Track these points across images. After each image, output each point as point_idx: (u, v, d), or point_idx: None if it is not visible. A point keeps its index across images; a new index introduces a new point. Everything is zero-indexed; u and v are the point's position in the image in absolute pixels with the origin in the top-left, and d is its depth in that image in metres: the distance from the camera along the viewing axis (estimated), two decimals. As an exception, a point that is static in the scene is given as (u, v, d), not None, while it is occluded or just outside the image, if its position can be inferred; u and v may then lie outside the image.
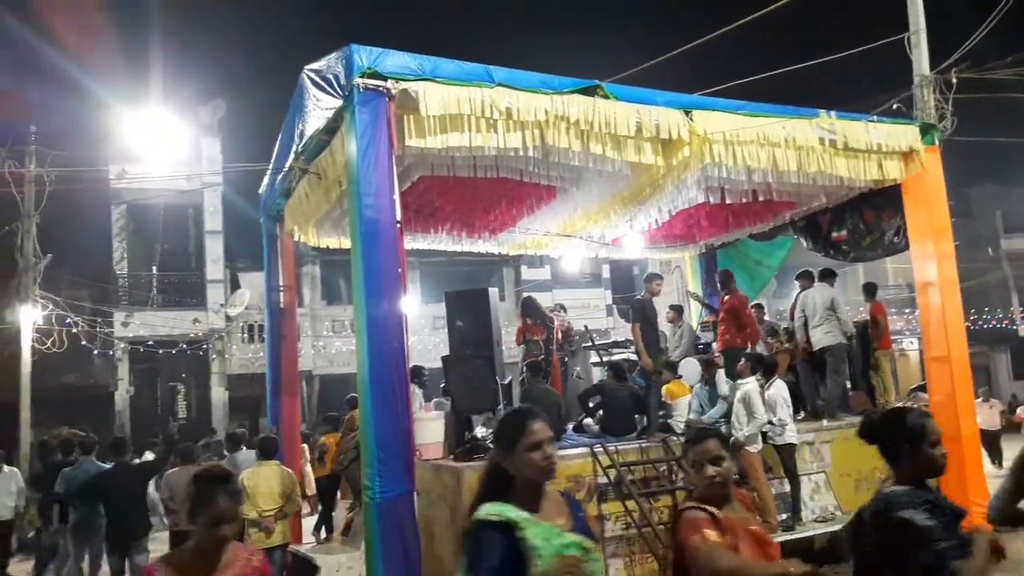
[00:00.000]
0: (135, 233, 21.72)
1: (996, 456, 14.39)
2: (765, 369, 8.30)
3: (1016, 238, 29.34)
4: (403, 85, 6.17)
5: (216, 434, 17.54)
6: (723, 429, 8.11)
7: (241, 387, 21.44)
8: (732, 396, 8.32)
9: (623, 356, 10.82)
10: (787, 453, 8.02)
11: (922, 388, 10.41)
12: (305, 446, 11.36)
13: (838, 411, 9.33)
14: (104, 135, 18.84)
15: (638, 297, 9.04)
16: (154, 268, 21.45)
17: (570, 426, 9.19)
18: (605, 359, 10.89)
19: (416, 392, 8.37)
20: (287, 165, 8.11)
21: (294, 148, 7.68)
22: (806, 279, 10.25)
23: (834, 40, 9.88)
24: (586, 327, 12.93)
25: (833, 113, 8.26)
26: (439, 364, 8.38)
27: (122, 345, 20.13)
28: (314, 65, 6.86)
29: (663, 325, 10.41)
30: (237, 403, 21.62)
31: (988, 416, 15.20)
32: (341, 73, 6.31)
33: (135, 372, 21.12)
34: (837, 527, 8.06)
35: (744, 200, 9.03)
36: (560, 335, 10.59)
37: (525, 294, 11.61)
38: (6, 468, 11.08)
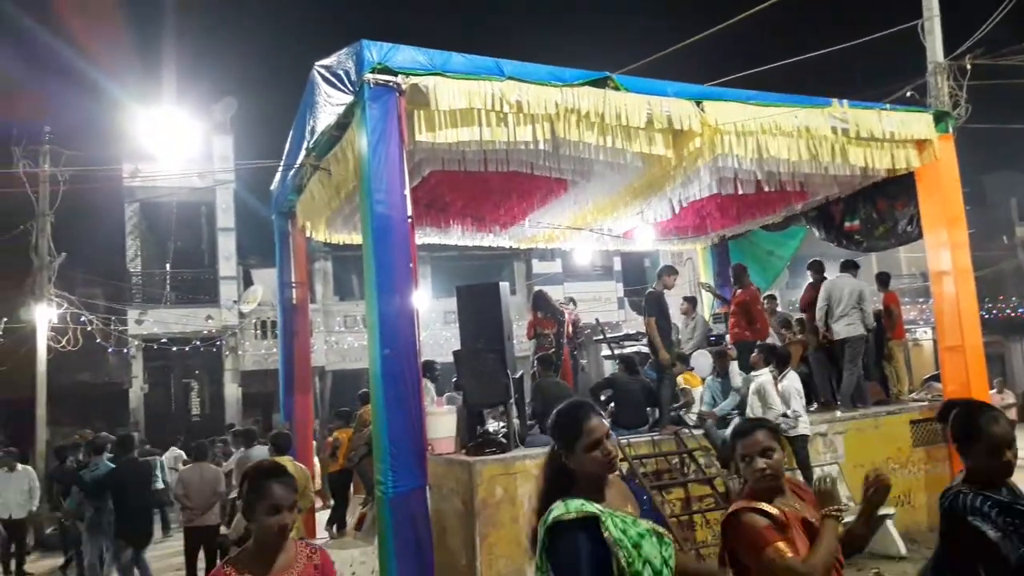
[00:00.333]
0: (148, 231, 21.82)
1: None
2: (778, 360, 8.27)
3: (1031, 226, 29.09)
4: (413, 80, 6.17)
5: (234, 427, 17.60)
6: (736, 421, 8.08)
7: (254, 383, 21.53)
8: (745, 388, 8.30)
9: (634, 349, 10.80)
10: (800, 444, 7.99)
11: (936, 378, 10.35)
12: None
13: (855, 402, 9.30)
14: (117, 134, 18.93)
15: (652, 290, 9.00)
16: (167, 266, 21.55)
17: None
18: (616, 352, 10.88)
19: (428, 387, 8.38)
20: (298, 162, 8.13)
21: (305, 144, 7.69)
22: (817, 269, 10.20)
23: (847, 28, 9.80)
24: (597, 320, 12.93)
25: (845, 102, 8.20)
26: (451, 359, 8.39)
27: (136, 343, 20.25)
28: (325, 61, 6.87)
29: (676, 317, 10.39)
30: (250, 399, 21.72)
31: (1001, 407, 15.06)
32: (352, 69, 6.31)
33: (149, 369, 21.24)
34: (850, 518, 8.02)
35: (756, 191, 8.98)
36: (571, 328, 10.59)
37: (536, 288, 11.59)
38: (20, 467, 11.19)
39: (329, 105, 6.82)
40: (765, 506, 2.78)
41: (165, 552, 11.72)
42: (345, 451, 9.95)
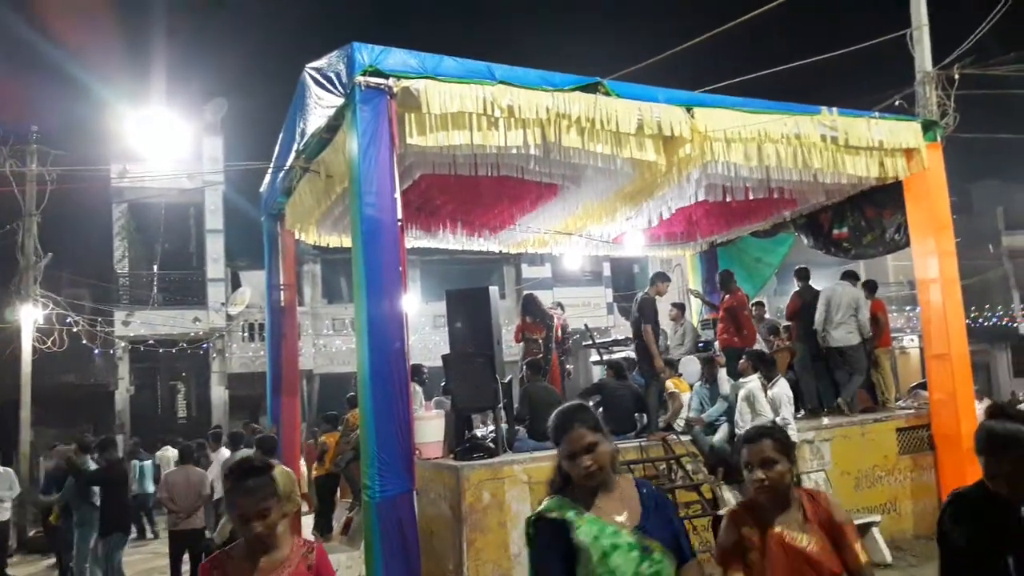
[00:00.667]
0: (136, 232, 21.72)
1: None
2: (767, 367, 8.29)
3: (1018, 235, 29.25)
4: (405, 83, 6.16)
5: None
6: (725, 427, 8.12)
7: (241, 386, 21.42)
8: (732, 395, 8.31)
9: (623, 355, 10.81)
10: (788, 451, 7.99)
11: (922, 386, 10.39)
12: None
13: (853, 409, 9.36)
14: (105, 134, 18.85)
15: (645, 295, 9.00)
16: (155, 267, 21.45)
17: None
18: (605, 357, 10.89)
19: (416, 391, 8.36)
20: (288, 164, 8.10)
21: (295, 146, 7.67)
22: (803, 276, 10.24)
23: (836, 36, 9.85)
24: (586, 325, 12.93)
25: (835, 110, 8.24)
26: (439, 363, 8.37)
27: (122, 344, 20.13)
28: (316, 63, 6.85)
29: (665, 323, 10.40)
30: (237, 402, 21.62)
31: (981, 415, 15.21)
32: (343, 71, 6.30)
33: (135, 371, 21.12)
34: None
35: (745, 198, 9.01)
36: (559, 333, 10.58)
37: (526, 292, 11.59)
38: (1, 469, 11.14)
39: (320, 107, 6.80)
40: (749, 522, 2.81)
41: (150, 555, 11.66)
42: (332, 455, 9.91)
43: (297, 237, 9.73)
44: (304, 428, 12.24)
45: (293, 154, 7.80)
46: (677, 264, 17.28)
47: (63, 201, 16.02)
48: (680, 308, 11.40)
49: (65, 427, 19.58)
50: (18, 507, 12.58)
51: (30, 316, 15.55)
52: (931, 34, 9.62)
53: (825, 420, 9.03)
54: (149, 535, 13.96)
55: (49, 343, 15.85)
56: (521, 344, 10.28)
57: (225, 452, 10.88)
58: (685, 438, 8.10)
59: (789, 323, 10.35)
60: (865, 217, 10.27)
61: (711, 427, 8.39)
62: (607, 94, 6.97)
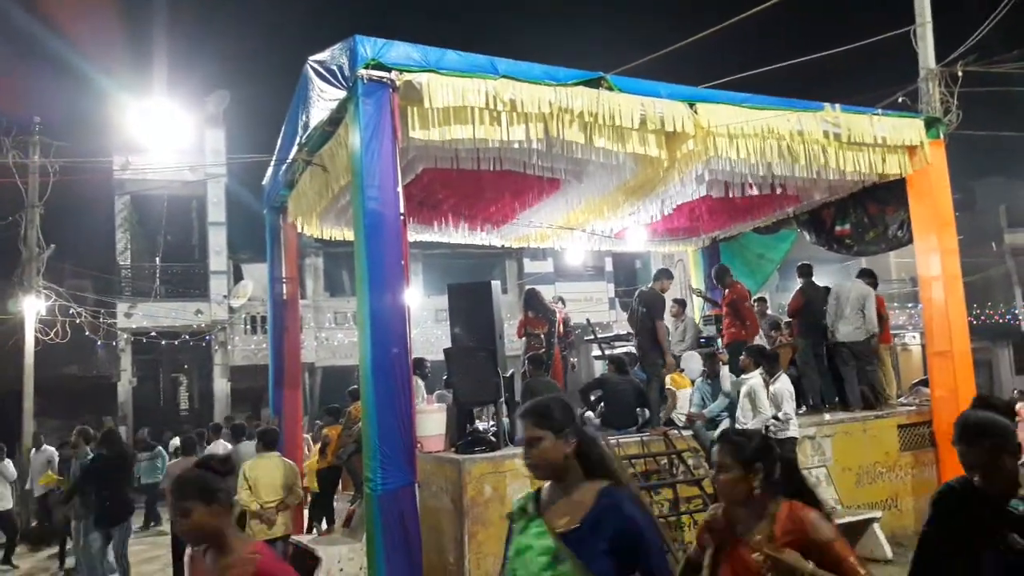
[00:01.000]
0: (138, 224, 21.73)
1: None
2: (769, 363, 8.30)
3: (1020, 232, 29.20)
4: (407, 76, 6.16)
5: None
6: (725, 423, 8.14)
7: (244, 378, 21.46)
8: (734, 391, 8.32)
9: (624, 350, 10.82)
10: (788, 447, 8.00)
11: (924, 383, 10.40)
12: (308, 436, 11.38)
13: (854, 405, 9.41)
14: (108, 126, 18.86)
15: (652, 291, 9.00)
16: (157, 259, 21.46)
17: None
18: (607, 352, 10.90)
19: (418, 384, 8.38)
20: (291, 156, 8.11)
21: (298, 139, 7.67)
22: (805, 273, 10.24)
23: (839, 32, 9.83)
24: (588, 320, 12.94)
25: (838, 106, 8.23)
26: (441, 356, 8.39)
27: (125, 336, 20.16)
28: (318, 56, 6.84)
29: (666, 319, 10.40)
30: (239, 394, 21.65)
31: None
32: (345, 64, 6.29)
33: (138, 363, 21.15)
34: (837, 521, 8.06)
35: (747, 193, 9.01)
36: (561, 327, 10.59)
37: (528, 287, 11.60)
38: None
39: (322, 100, 6.79)
40: (710, 515, 2.86)
41: (154, 545, 11.70)
42: (334, 448, 9.93)
43: (299, 230, 9.73)
44: (306, 421, 12.26)
45: (296, 147, 7.80)
46: (679, 260, 17.28)
47: (66, 193, 16.05)
48: (681, 304, 11.41)
49: (67, 418, 19.63)
50: (19, 497, 12.66)
51: (33, 307, 15.58)
52: (935, 31, 9.60)
53: (827, 416, 9.04)
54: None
55: (52, 335, 15.89)
56: (523, 339, 10.29)
57: (223, 444, 10.91)
58: (687, 433, 8.11)
59: (791, 319, 10.35)
60: (868, 214, 10.26)
61: (713, 422, 8.40)
62: (610, 89, 6.97)
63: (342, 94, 6.42)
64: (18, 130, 15.72)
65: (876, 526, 7.94)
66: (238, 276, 22.05)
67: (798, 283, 10.36)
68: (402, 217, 6.18)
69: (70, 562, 10.46)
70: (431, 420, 7.47)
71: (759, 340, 9.96)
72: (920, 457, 9.01)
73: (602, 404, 8.82)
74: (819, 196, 10.22)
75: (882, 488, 8.76)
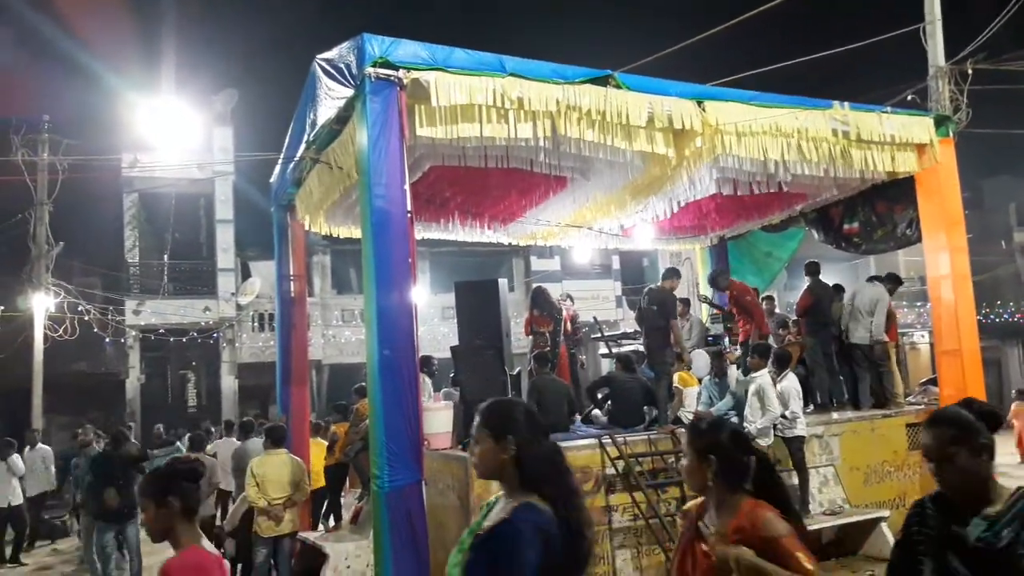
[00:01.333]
0: (147, 222, 21.80)
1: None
2: (778, 362, 8.28)
3: (1030, 231, 29.11)
4: (415, 74, 6.16)
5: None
6: (733, 421, 8.13)
7: (251, 376, 21.51)
8: (740, 390, 8.31)
9: (632, 348, 10.80)
10: (796, 446, 8.01)
11: (933, 382, 10.36)
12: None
13: (864, 404, 9.41)
14: (117, 124, 18.92)
15: (662, 289, 9.00)
16: (165, 256, 21.53)
17: (578, 417, 9.19)
18: (614, 350, 10.88)
19: (425, 382, 8.38)
20: (298, 154, 8.12)
21: (305, 137, 7.68)
22: (812, 271, 10.22)
23: (849, 30, 9.80)
24: (595, 318, 12.93)
25: (846, 104, 8.20)
26: (448, 354, 8.40)
27: (133, 333, 20.24)
28: (326, 54, 6.85)
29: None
30: (247, 391, 21.71)
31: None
32: (353, 62, 6.30)
33: (146, 360, 21.23)
34: (845, 520, 8.06)
35: (755, 191, 8.98)
36: (568, 325, 10.57)
37: (536, 285, 11.59)
38: (15, 455, 11.32)
39: (330, 98, 6.80)
40: (686, 518, 2.85)
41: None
42: (342, 445, 9.95)
43: (307, 228, 9.76)
44: (314, 418, 12.28)
45: (303, 145, 7.81)
46: (687, 258, 17.25)
47: (74, 190, 16.13)
48: (685, 303, 11.41)
49: (76, 415, 19.73)
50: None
51: (42, 304, 15.67)
52: (944, 29, 9.56)
53: (834, 415, 9.02)
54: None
55: (61, 331, 15.99)
56: (530, 336, 10.29)
57: (232, 441, 10.94)
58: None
59: (799, 318, 10.32)
60: (876, 212, 10.22)
61: (719, 421, 8.40)
62: (618, 87, 6.95)
63: (350, 92, 6.42)
64: (27, 128, 15.82)
65: (884, 525, 7.92)
66: (246, 274, 22.11)
67: (806, 282, 10.34)
68: (409, 215, 6.18)
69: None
70: (438, 418, 7.47)
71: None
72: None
73: (609, 402, 8.81)
74: (827, 194, 10.18)
75: (890, 487, 8.73)
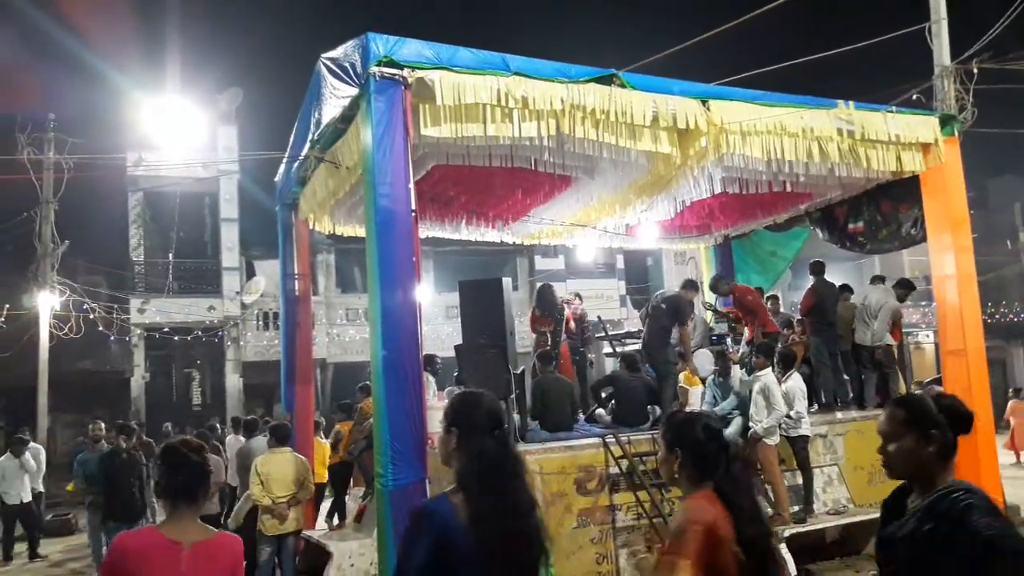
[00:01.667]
0: (151, 220, 21.84)
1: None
2: (783, 361, 8.28)
3: (1035, 231, 29.01)
4: (419, 74, 6.16)
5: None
6: (738, 421, 8.14)
7: (256, 374, 21.54)
8: (743, 390, 8.31)
9: (636, 347, 10.79)
10: (800, 445, 8.00)
11: (938, 381, 10.34)
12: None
13: (869, 404, 9.40)
14: (122, 123, 18.96)
15: (676, 296, 9.07)
16: (170, 255, 21.57)
17: (582, 416, 9.19)
18: (618, 350, 10.87)
19: (429, 380, 8.38)
20: (303, 153, 8.13)
21: (310, 136, 7.69)
22: (817, 271, 10.20)
23: (854, 29, 9.79)
24: (599, 318, 12.91)
25: (851, 103, 8.19)
26: (452, 353, 8.40)
27: (138, 331, 20.28)
28: (331, 53, 6.86)
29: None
30: (252, 390, 21.74)
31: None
32: (358, 61, 6.31)
33: (151, 358, 21.27)
34: (849, 520, 8.06)
35: (760, 191, 8.98)
36: (572, 323, 10.53)
37: (542, 283, 11.57)
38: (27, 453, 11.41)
39: (334, 97, 6.81)
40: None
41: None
42: (346, 443, 9.96)
43: (311, 227, 9.77)
44: (318, 416, 12.30)
45: (308, 144, 7.82)
46: (691, 257, 17.26)
47: (79, 189, 16.17)
48: (690, 284, 11.41)
49: (81, 413, 19.79)
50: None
51: (47, 303, 15.71)
52: (950, 28, 9.54)
53: (839, 414, 9.02)
54: None
55: (66, 330, 16.02)
56: (535, 335, 10.28)
57: (239, 439, 10.95)
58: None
59: (803, 317, 10.30)
60: (881, 211, 10.20)
61: (724, 420, 8.39)
62: (622, 86, 6.96)
63: (354, 91, 6.43)
64: (33, 127, 15.87)
65: (888, 525, 7.90)
66: (250, 272, 22.14)
67: (810, 281, 10.32)
68: (413, 214, 6.19)
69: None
70: (442, 416, 7.47)
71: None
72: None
73: (613, 401, 8.81)
74: (832, 194, 10.17)
75: (895, 485, 8.71)
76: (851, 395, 9.78)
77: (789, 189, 9.19)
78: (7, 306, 15.88)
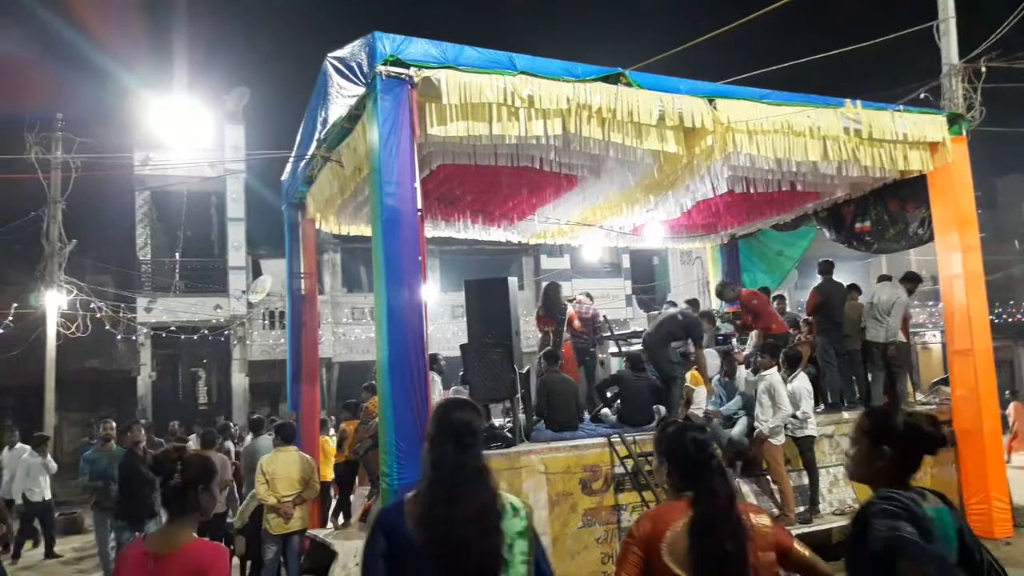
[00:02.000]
0: (158, 219, 21.88)
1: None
2: (789, 361, 8.25)
3: (1043, 230, 28.86)
4: (426, 73, 6.17)
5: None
6: (743, 421, 8.12)
7: (262, 373, 21.59)
8: (748, 390, 8.29)
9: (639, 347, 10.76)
10: (806, 445, 7.98)
11: (944, 381, 10.31)
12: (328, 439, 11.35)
13: (876, 403, 9.35)
14: (129, 122, 19.02)
15: (692, 315, 9.15)
16: (177, 254, 21.62)
17: (587, 415, 9.18)
18: (624, 349, 10.85)
19: (435, 379, 8.38)
20: (309, 152, 8.14)
21: (316, 136, 7.70)
22: (825, 270, 10.16)
23: (861, 28, 9.75)
24: (605, 317, 12.89)
25: (859, 102, 8.17)
26: (458, 352, 8.40)
27: (145, 330, 20.33)
28: (337, 53, 6.87)
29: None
30: (258, 389, 21.79)
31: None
32: (364, 61, 6.31)
33: (157, 357, 21.32)
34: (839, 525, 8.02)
35: (767, 190, 8.96)
36: (578, 323, 10.49)
37: (548, 282, 11.55)
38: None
39: (341, 97, 6.82)
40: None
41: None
42: (351, 442, 9.97)
43: (318, 226, 9.78)
44: (324, 415, 12.31)
45: (314, 143, 7.83)
46: (697, 256, 17.23)
47: (87, 188, 16.20)
48: (694, 304, 11.40)
49: (88, 412, 19.84)
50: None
51: (55, 302, 15.76)
52: (957, 27, 9.50)
53: (845, 414, 8.98)
54: None
55: (73, 328, 16.07)
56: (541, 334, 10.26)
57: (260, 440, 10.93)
58: (703, 431, 8.06)
59: (808, 317, 10.27)
60: (888, 211, 10.17)
61: (729, 420, 8.38)
62: (629, 85, 6.95)
63: (361, 90, 6.44)
64: (41, 126, 15.91)
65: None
66: (257, 271, 22.18)
67: (818, 281, 10.27)
68: (419, 213, 6.19)
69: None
70: (447, 416, 7.46)
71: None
72: (939, 457, 8.86)
73: (619, 401, 8.79)
74: (839, 193, 10.15)
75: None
76: (858, 395, 9.74)
77: (796, 188, 9.16)
78: (15, 305, 15.93)
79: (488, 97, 6.32)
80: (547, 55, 6.75)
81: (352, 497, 9.43)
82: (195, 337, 20.53)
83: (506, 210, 10.46)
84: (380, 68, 6.07)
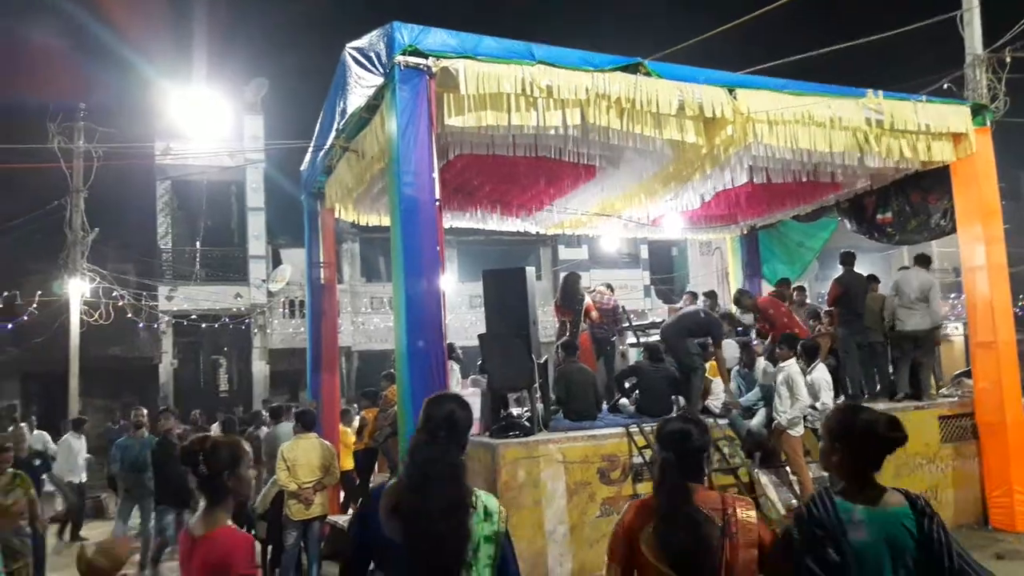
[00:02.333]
0: (179, 209, 22.06)
1: None
2: (807, 353, 8.21)
3: (1068, 222, 28.45)
4: (444, 63, 6.17)
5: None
6: (762, 412, 8.10)
7: (282, 361, 21.76)
8: (767, 381, 8.25)
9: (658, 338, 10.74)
10: (826, 437, 7.93)
11: (967, 374, 10.21)
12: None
13: (900, 391, 9.30)
14: (150, 113, 19.17)
15: (713, 316, 9.10)
16: (197, 243, 21.80)
17: (605, 405, 9.19)
18: (642, 340, 10.84)
19: (454, 368, 8.40)
20: (328, 143, 8.18)
21: (335, 126, 7.73)
22: (847, 261, 10.07)
23: (884, 17, 9.65)
24: (623, 308, 12.87)
25: (881, 93, 8.08)
26: (475, 342, 8.42)
27: (166, 318, 20.52)
28: (356, 43, 6.88)
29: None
30: (278, 377, 21.96)
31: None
32: (382, 51, 6.32)
33: (179, 345, 21.53)
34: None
35: (787, 181, 8.89)
36: (595, 314, 10.47)
37: (567, 272, 11.54)
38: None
39: (360, 87, 6.84)
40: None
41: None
42: (371, 430, 10.05)
43: (337, 216, 9.82)
44: (345, 404, 12.40)
45: (333, 133, 7.86)
46: (717, 247, 17.11)
47: (109, 178, 16.37)
48: (712, 296, 11.34)
49: (110, 399, 20.10)
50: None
51: (78, 290, 15.96)
52: (981, 16, 9.37)
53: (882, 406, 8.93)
54: None
55: (96, 316, 16.26)
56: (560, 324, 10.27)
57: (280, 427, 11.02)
58: (722, 422, 8.06)
59: (830, 308, 10.19)
60: (910, 202, 10.06)
61: (749, 411, 8.36)
62: (648, 75, 6.92)
63: (379, 81, 6.45)
64: (64, 116, 16.08)
65: (914, 518, 7.83)
66: (276, 261, 22.32)
67: (840, 271, 10.18)
68: (437, 203, 6.21)
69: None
70: (465, 404, 7.49)
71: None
72: (961, 449, 8.86)
73: (636, 392, 8.79)
74: (860, 184, 10.05)
75: (921, 479, 8.63)
76: (879, 387, 9.66)
77: (817, 179, 9.09)
78: (39, 293, 16.13)
79: (506, 87, 6.32)
80: (566, 45, 6.74)
81: (371, 485, 9.50)
82: (216, 325, 20.71)
83: (524, 200, 10.45)
84: (398, 58, 6.08)
